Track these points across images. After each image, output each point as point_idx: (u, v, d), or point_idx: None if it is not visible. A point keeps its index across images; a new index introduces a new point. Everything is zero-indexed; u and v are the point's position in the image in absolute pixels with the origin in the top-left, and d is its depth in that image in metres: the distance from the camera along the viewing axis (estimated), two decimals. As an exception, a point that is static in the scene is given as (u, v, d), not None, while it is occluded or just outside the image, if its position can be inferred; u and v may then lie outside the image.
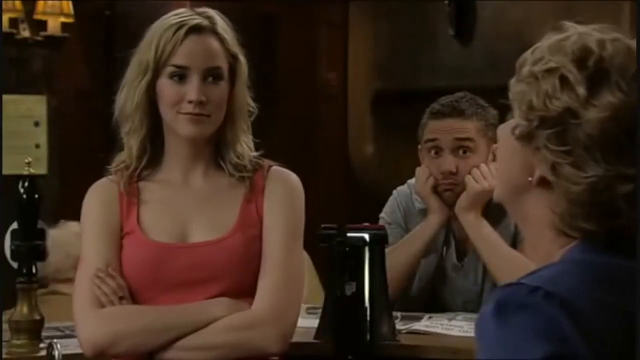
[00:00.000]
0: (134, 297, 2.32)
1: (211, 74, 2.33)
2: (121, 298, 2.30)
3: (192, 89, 2.31)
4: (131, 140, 2.38)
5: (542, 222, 1.41)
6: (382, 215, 3.24)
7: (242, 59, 2.39)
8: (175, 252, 2.32)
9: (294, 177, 2.42)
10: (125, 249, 2.34)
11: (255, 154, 2.42)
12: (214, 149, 2.40)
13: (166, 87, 2.33)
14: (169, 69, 2.32)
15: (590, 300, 1.32)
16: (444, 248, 3.18)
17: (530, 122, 1.38)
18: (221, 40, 2.36)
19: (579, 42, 1.38)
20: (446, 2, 5.71)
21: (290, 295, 2.33)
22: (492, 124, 3.04)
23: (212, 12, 2.39)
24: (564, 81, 1.35)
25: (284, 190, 2.39)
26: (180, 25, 2.32)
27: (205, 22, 2.35)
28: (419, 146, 3.18)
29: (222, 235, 2.33)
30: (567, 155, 1.35)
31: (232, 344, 2.28)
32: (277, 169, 2.41)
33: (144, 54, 2.34)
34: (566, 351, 1.28)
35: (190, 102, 2.30)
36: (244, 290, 2.32)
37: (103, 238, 2.35)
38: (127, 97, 2.37)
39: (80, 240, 2.40)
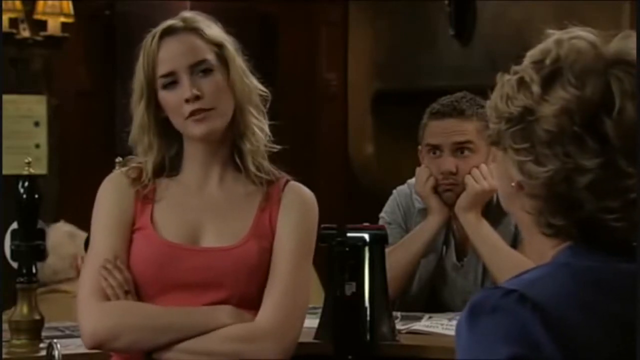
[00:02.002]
0: (137, 293, 2.31)
1: (198, 69, 2.32)
2: (127, 292, 2.28)
3: (183, 89, 2.30)
4: (147, 162, 2.37)
5: (529, 225, 1.44)
6: (382, 215, 3.25)
7: (229, 46, 2.36)
8: (184, 254, 2.31)
9: (310, 194, 2.41)
10: (135, 244, 2.33)
11: (270, 145, 2.40)
12: (231, 149, 2.38)
13: (165, 98, 2.33)
14: (160, 81, 2.32)
15: (574, 305, 1.33)
16: (444, 247, 3.18)
17: (497, 125, 1.43)
18: (198, 34, 2.34)
19: (542, 45, 1.42)
20: (446, 2, 5.71)
21: (295, 312, 2.32)
22: None
23: (189, 13, 2.39)
24: (521, 82, 1.41)
25: (300, 207, 2.37)
26: (154, 34, 2.33)
27: (178, 23, 2.34)
28: (419, 146, 3.18)
29: (234, 243, 2.32)
30: (529, 152, 1.39)
31: (231, 353, 2.26)
32: (294, 184, 2.40)
33: (137, 76, 2.35)
34: (534, 355, 1.28)
35: (187, 101, 2.29)
36: (248, 300, 2.31)
37: (114, 230, 2.33)
38: (134, 121, 2.36)
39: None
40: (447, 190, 3.11)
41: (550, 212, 1.39)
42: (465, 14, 5.66)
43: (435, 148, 3.12)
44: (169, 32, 2.33)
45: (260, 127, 2.38)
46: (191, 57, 2.32)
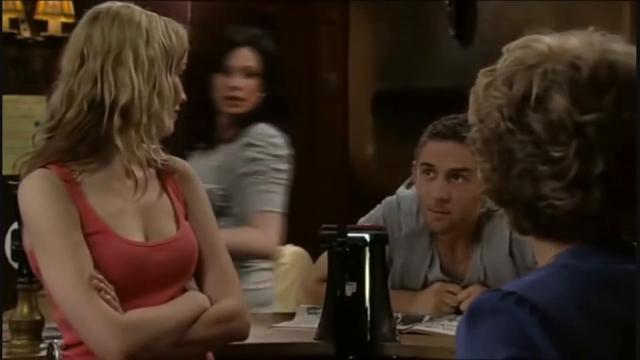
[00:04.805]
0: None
1: None
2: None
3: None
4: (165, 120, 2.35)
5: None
6: (362, 221, 3.07)
7: None
8: (153, 251, 2.29)
9: (186, 162, 2.47)
10: (99, 249, 2.22)
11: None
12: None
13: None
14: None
15: (573, 307, 1.33)
16: (428, 270, 3.09)
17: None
18: None
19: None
20: (446, 2, 5.71)
21: (237, 281, 2.39)
22: None
23: None
24: (472, 92, 1.48)
25: (191, 179, 2.42)
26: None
27: None
28: (414, 162, 3.08)
29: (178, 231, 2.34)
30: (481, 152, 1.46)
31: (218, 336, 2.31)
32: (172, 158, 2.41)
33: (170, 42, 2.34)
34: (532, 357, 1.29)
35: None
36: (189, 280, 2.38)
37: (78, 242, 2.22)
38: (153, 82, 2.30)
39: None
40: (436, 219, 3.01)
41: (500, 206, 1.44)
42: (465, 14, 5.66)
43: (429, 169, 3.01)
44: None
45: None
46: None
